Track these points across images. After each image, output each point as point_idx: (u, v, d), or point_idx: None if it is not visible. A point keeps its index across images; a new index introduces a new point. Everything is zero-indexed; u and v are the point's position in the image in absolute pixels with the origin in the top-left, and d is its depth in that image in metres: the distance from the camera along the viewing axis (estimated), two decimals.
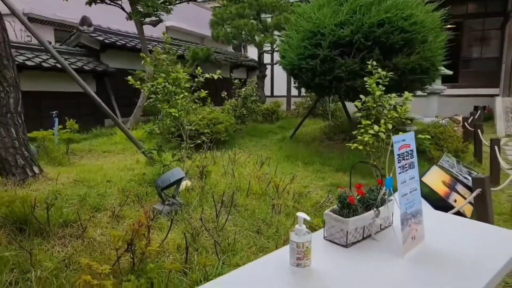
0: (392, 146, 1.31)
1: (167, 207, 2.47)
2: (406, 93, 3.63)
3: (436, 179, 3.73)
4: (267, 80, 13.72)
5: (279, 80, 11.83)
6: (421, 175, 3.70)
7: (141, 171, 3.33)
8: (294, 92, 11.12)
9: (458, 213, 3.09)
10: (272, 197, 3.15)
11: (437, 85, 9.28)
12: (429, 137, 3.52)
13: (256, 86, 10.94)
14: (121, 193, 2.77)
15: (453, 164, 4.52)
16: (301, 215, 1.24)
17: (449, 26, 12.23)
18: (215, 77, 3.27)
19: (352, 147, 3.79)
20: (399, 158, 1.33)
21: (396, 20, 4.08)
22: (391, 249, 1.35)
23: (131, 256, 1.76)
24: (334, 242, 1.42)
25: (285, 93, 11.51)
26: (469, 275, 1.20)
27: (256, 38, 9.21)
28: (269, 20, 9.54)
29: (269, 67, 12.63)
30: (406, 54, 4.11)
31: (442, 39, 4.64)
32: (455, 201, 3.33)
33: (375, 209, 1.46)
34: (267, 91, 13.73)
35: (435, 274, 1.22)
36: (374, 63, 3.84)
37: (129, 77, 3.05)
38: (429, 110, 9.52)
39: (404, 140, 1.36)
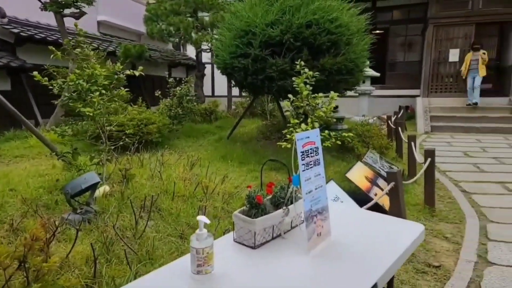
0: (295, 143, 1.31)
1: (78, 216, 2.27)
2: (332, 93, 3.75)
3: (359, 174, 3.92)
4: (208, 80, 13.54)
5: (220, 80, 11.71)
6: (347, 171, 3.86)
7: (55, 177, 3.04)
8: (236, 92, 11.11)
9: (377, 205, 3.28)
10: (199, 199, 3.06)
11: (367, 86, 9.85)
12: (351, 134, 3.68)
13: (194, 85, 10.75)
14: (25, 202, 2.49)
15: (376, 159, 4.78)
16: (202, 218, 1.17)
17: (377, 31, 13.11)
18: (137, 73, 3.09)
19: (282, 146, 3.84)
20: (303, 156, 1.33)
21: (323, 22, 4.23)
22: (300, 247, 1.35)
23: (25, 275, 1.56)
24: (243, 244, 1.38)
25: (226, 93, 11.44)
26: (369, 266, 1.23)
27: (194, 36, 9.02)
28: (206, 18, 9.40)
29: (209, 66, 12.47)
30: (333, 55, 4.28)
31: (366, 42, 4.91)
32: (375, 194, 3.53)
33: (284, 207, 1.45)
34: (208, 91, 13.56)
35: (338, 268, 1.23)
36: (303, 63, 3.93)
37: (35, 73, 2.75)
38: (360, 109, 10.06)
39: (308, 137, 1.36)
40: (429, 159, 3.62)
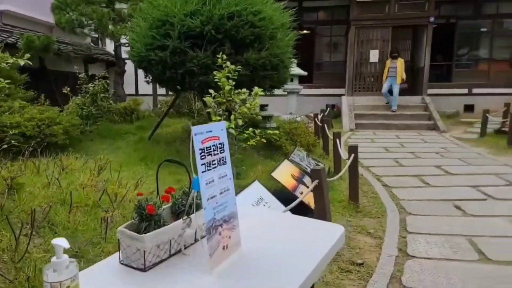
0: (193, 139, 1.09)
1: None
2: (256, 89, 3.61)
3: (286, 173, 3.85)
4: (131, 77, 12.72)
5: (144, 77, 11.03)
6: (272, 170, 3.75)
7: None
8: (163, 90, 10.57)
9: (303, 204, 3.21)
10: (105, 208, 2.68)
11: (295, 84, 10.03)
12: (277, 132, 3.57)
13: (113, 82, 9.97)
14: None
15: (303, 157, 4.78)
16: (58, 242, 0.88)
17: (304, 31, 13.52)
18: (21, 62, 2.61)
19: None
20: (203, 153, 1.11)
21: (246, 14, 4.09)
22: (204, 265, 1.13)
23: None
24: (131, 267, 1.12)
25: (151, 91, 10.82)
26: (284, 280, 1.06)
27: (110, 28, 8.33)
28: (125, 10, 8.75)
29: (131, 62, 11.68)
30: (257, 49, 4.16)
31: (291, 38, 4.90)
32: (302, 193, 3.47)
33: (185, 217, 1.23)
34: (131, 89, 12.74)
35: (250, 283, 1.05)
36: (225, 56, 3.73)
37: None
38: (288, 108, 10.23)
39: (211, 131, 1.15)
40: (352, 155, 3.67)
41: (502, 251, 2.74)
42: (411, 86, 12.10)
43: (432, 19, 10.23)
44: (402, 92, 11.66)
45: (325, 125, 5.94)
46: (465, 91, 11.79)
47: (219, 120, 3.43)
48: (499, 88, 11.44)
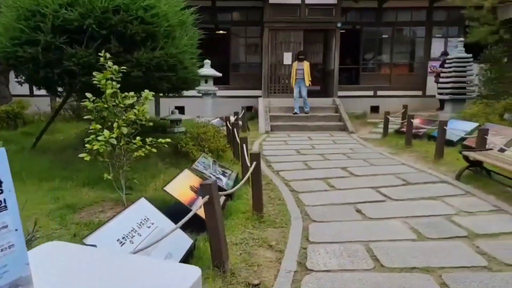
0: None
1: None
2: (146, 92, 3.21)
3: (185, 184, 3.51)
4: None
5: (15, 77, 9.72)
6: (166, 183, 3.39)
7: None
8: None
9: (199, 218, 2.90)
10: None
11: (209, 86, 9.74)
12: (169, 140, 3.21)
13: None
14: None
15: (209, 164, 4.49)
16: None
17: (221, 32, 13.29)
18: None
19: (85, 158, 3.10)
20: None
21: (135, 9, 3.65)
22: None
23: None
24: None
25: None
26: None
27: None
28: None
29: None
30: (150, 48, 3.76)
31: (192, 37, 4.57)
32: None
33: None
34: (24, 89, 11.20)
35: None
36: (108, 55, 3.26)
37: None
38: (204, 110, 9.89)
39: None
40: (254, 163, 3.48)
41: (396, 257, 2.76)
42: (324, 88, 12.65)
43: (339, 25, 10.77)
44: (315, 94, 12.11)
45: (235, 129, 5.74)
46: (371, 93, 12.70)
47: (100, 129, 2.96)
48: (400, 90, 12.54)
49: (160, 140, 3.15)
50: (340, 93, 11.94)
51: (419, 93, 12.79)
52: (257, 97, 11.62)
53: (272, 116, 10.22)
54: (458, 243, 3.01)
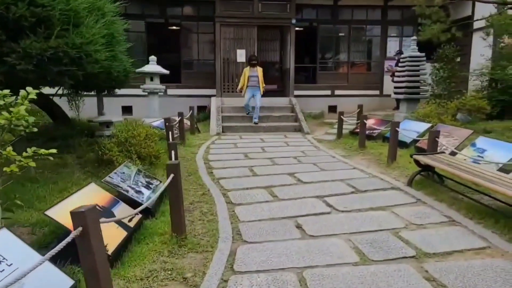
0: None
1: None
2: (23, 91, 2.52)
3: (84, 203, 2.87)
4: None
5: None
6: (52, 205, 2.73)
7: None
8: None
9: None
10: None
11: (155, 84, 9.01)
12: (54, 150, 2.55)
13: None
14: None
15: (129, 175, 3.84)
16: None
17: (173, 27, 12.51)
18: None
19: None
20: None
21: None
22: None
23: None
24: None
25: None
26: None
27: None
28: None
29: None
30: (43, 36, 3.07)
31: (112, 27, 3.90)
32: None
33: None
34: None
35: None
36: None
37: None
38: (151, 110, 9.15)
39: None
40: (171, 176, 2.89)
41: None
42: (281, 87, 12.25)
43: (293, 21, 10.39)
44: (271, 94, 11.68)
45: (170, 132, 5.11)
46: (329, 92, 12.46)
47: None
48: (358, 90, 12.40)
49: (42, 151, 2.48)
50: (297, 92, 11.60)
51: (377, 92, 12.73)
52: (211, 96, 11.02)
53: (225, 117, 9.65)
54: (404, 266, 2.60)
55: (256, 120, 9.37)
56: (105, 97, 10.89)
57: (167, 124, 5.79)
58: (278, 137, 8.56)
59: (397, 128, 5.43)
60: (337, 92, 12.45)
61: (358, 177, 5.02)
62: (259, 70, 9.18)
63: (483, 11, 8.71)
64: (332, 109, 12.36)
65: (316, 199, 4.08)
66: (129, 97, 10.88)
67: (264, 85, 9.35)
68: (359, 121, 7.71)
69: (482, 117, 7.97)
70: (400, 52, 11.14)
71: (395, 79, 9.06)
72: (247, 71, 9.21)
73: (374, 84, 12.67)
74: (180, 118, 7.10)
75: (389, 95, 10.13)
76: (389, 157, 5.53)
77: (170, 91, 11.66)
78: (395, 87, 8.99)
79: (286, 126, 9.47)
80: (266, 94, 11.42)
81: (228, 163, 5.82)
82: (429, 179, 4.53)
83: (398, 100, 9.91)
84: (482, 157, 4.68)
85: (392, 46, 12.63)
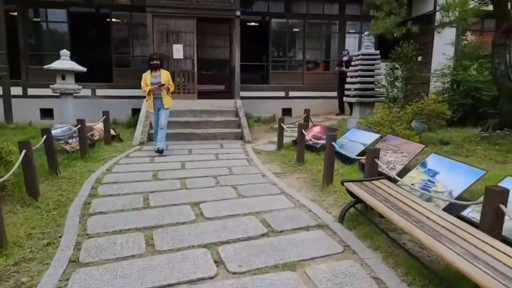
0: None
1: None
2: None
3: None
4: None
5: None
6: None
7: None
8: None
9: None
10: None
11: (68, 83, 7.62)
12: None
13: None
14: None
15: None
16: None
17: (102, 18, 11.04)
18: None
19: None
20: None
21: None
22: None
23: None
24: None
25: None
26: None
27: None
28: None
29: None
30: None
31: None
32: None
33: None
34: None
35: None
36: None
37: None
38: (63, 115, 7.74)
39: None
40: None
41: None
42: (228, 88, 11.10)
43: (238, 13, 9.24)
44: (218, 95, 10.53)
45: (49, 145, 3.79)
46: (282, 94, 11.41)
47: None
48: (314, 91, 11.41)
49: None
50: (247, 94, 10.48)
51: (335, 94, 11.76)
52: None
53: None
54: None
55: (161, 147, 6.41)
56: (15, 98, 9.36)
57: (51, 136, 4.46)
58: (212, 147, 7.36)
59: (333, 143, 4.35)
60: (291, 93, 11.41)
61: (281, 207, 3.91)
62: (163, 75, 6.48)
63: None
64: (287, 112, 11.32)
65: (205, 250, 2.91)
66: (49, 98, 9.37)
67: (170, 94, 6.61)
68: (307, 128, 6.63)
69: (442, 123, 7.11)
70: (347, 52, 10.33)
71: (348, 80, 8.08)
72: (147, 76, 6.43)
73: (332, 85, 11.70)
74: (79, 124, 5.76)
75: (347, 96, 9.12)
76: (325, 179, 4.46)
77: (100, 92, 10.26)
78: (346, 89, 8.00)
79: (227, 133, 8.30)
80: (211, 95, 10.26)
81: (123, 188, 4.56)
82: (367, 212, 3.48)
83: (351, 104, 8.98)
84: (433, 182, 3.67)
85: (351, 43, 11.74)
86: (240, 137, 8.23)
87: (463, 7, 4.54)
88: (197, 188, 4.59)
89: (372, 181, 3.44)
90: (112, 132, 7.58)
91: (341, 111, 10.65)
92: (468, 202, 2.95)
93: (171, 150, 6.93)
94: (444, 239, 2.21)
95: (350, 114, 9.97)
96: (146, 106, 6.79)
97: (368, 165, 3.58)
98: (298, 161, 5.65)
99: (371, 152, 3.55)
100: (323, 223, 3.47)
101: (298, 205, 3.98)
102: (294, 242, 3.07)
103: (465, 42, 9.19)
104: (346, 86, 8.07)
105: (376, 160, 3.53)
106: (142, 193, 4.34)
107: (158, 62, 6.47)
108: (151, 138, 7.72)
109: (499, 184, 3.13)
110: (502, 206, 2.25)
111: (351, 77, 7.82)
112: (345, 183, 3.42)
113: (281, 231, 3.30)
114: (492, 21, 9.75)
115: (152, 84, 6.38)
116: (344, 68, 10.00)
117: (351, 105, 8.98)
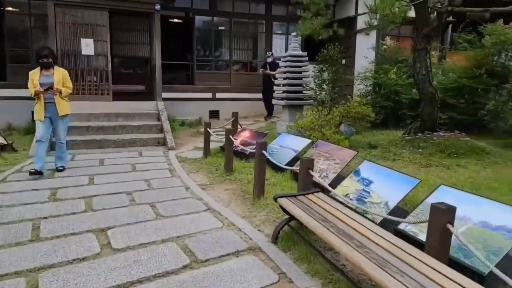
0: None
1: None
2: None
3: None
4: None
5: None
6: None
7: None
8: None
9: None
10: None
11: None
12: None
13: None
14: None
15: None
16: None
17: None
18: None
19: None
20: None
21: None
22: None
23: None
24: None
25: None
26: None
27: None
28: None
29: None
30: None
31: None
32: None
33: None
34: None
35: None
36: None
37: None
38: None
39: None
40: None
41: None
42: (149, 89, 10.26)
43: (157, 7, 8.50)
44: (138, 96, 9.65)
45: None
46: (209, 95, 10.87)
47: None
48: (242, 92, 11.08)
49: None
50: (170, 95, 9.75)
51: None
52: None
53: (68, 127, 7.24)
54: None
55: (61, 166, 5.35)
56: None
57: None
58: (129, 155, 6.57)
59: (263, 152, 3.98)
60: (219, 95, 10.93)
61: (207, 228, 3.41)
62: (57, 73, 5.08)
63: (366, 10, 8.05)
64: (214, 114, 10.82)
65: None
66: None
67: (67, 100, 5.25)
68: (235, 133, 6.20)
69: (367, 126, 7.23)
70: (271, 54, 10.17)
71: (276, 81, 7.86)
72: (34, 75, 5.01)
73: (261, 86, 11.49)
74: None
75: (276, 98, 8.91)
76: (256, 191, 4.07)
77: None
78: (276, 91, 7.78)
79: (147, 139, 7.53)
80: (128, 96, 9.35)
81: (7, 214, 3.67)
82: (303, 230, 3.16)
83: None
84: (368, 192, 3.48)
85: (278, 44, 11.65)
86: (162, 143, 7.53)
87: (391, 9, 4.55)
88: (106, 209, 3.88)
89: (307, 195, 3.13)
90: (2, 140, 6.36)
91: (269, 114, 10.43)
92: (407, 220, 2.76)
93: (79, 160, 6.00)
94: (392, 269, 1.93)
95: (266, 118, 9.85)
96: (35, 115, 5.11)
97: (302, 177, 3.26)
98: (226, 170, 5.21)
99: (305, 163, 3.23)
100: (255, 245, 3.06)
101: (226, 224, 3.53)
102: (222, 274, 2.61)
103: (384, 46, 9.59)
104: (275, 88, 7.84)
105: (310, 171, 3.22)
106: (32, 219, 3.52)
107: (51, 60, 5.02)
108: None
109: (434, 194, 3.02)
110: (449, 226, 2.04)
111: (280, 79, 7.60)
112: (278, 199, 3.05)
113: (206, 260, 2.81)
114: (408, 27, 10.39)
115: (41, 85, 4.93)
116: (268, 71, 9.80)
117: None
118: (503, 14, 5.40)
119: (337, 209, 2.84)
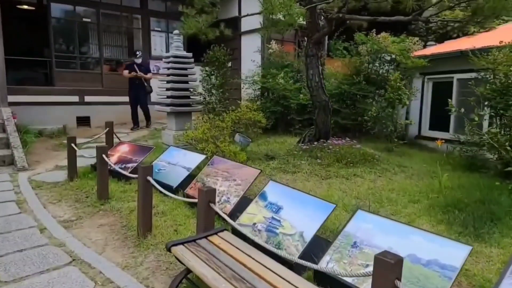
0: None
1: None
2: None
3: None
4: None
5: None
6: None
7: None
8: None
9: None
10: None
11: None
12: None
13: None
14: None
15: None
16: None
17: None
18: None
19: None
20: None
21: None
22: None
23: None
24: None
25: None
26: None
27: None
28: None
29: None
30: None
31: None
32: None
33: None
34: None
35: None
36: None
37: None
38: None
39: None
40: None
41: None
42: None
43: None
44: None
45: None
46: (76, 98, 9.24)
47: None
48: (118, 96, 9.70)
49: None
50: (23, 99, 7.93)
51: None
52: None
53: None
54: None
55: None
56: None
57: None
58: None
59: (149, 178, 3.18)
60: (88, 98, 9.38)
61: None
62: None
63: (249, 11, 7.74)
64: (84, 121, 9.25)
65: None
66: None
67: None
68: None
69: (259, 132, 6.95)
70: (140, 53, 8.82)
71: (159, 85, 6.98)
72: None
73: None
74: None
75: (159, 104, 7.89)
76: (140, 228, 3.24)
77: None
78: (159, 96, 6.90)
79: None
80: None
81: None
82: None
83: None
84: (279, 220, 3.02)
85: (158, 42, 10.65)
86: (9, 162, 5.90)
87: (289, 11, 4.25)
88: None
89: (209, 238, 2.49)
90: None
91: (148, 119, 9.18)
92: (341, 273, 2.36)
93: None
94: None
95: (133, 129, 8.77)
96: None
97: (202, 213, 2.60)
98: (100, 198, 4.18)
99: (205, 195, 2.58)
100: None
101: (100, 283, 2.64)
102: None
103: (270, 50, 9.54)
104: (158, 92, 6.94)
105: (211, 205, 2.59)
106: None
107: None
108: None
109: (353, 222, 2.72)
110: (398, 282, 1.66)
111: (162, 82, 6.75)
112: (173, 249, 2.34)
113: None
114: (291, 32, 10.58)
115: None
116: (141, 73, 8.60)
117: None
118: (388, 23, 5.68)
119: (249, 256, 2.28)
